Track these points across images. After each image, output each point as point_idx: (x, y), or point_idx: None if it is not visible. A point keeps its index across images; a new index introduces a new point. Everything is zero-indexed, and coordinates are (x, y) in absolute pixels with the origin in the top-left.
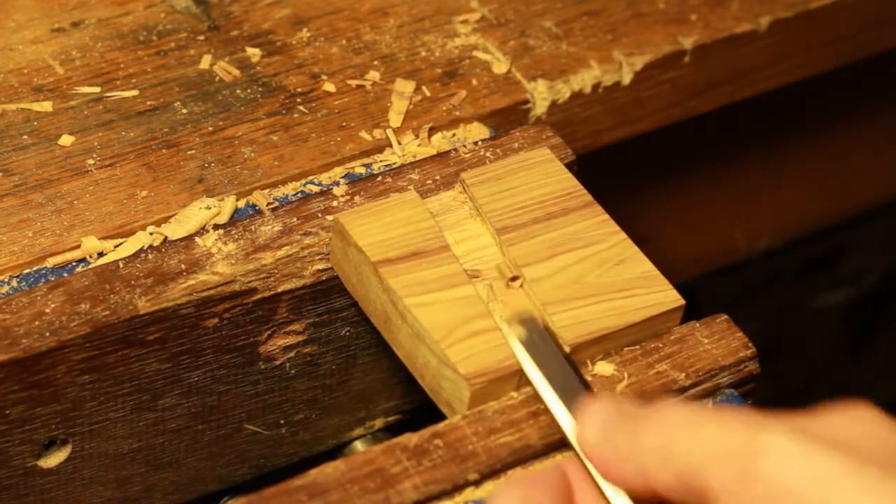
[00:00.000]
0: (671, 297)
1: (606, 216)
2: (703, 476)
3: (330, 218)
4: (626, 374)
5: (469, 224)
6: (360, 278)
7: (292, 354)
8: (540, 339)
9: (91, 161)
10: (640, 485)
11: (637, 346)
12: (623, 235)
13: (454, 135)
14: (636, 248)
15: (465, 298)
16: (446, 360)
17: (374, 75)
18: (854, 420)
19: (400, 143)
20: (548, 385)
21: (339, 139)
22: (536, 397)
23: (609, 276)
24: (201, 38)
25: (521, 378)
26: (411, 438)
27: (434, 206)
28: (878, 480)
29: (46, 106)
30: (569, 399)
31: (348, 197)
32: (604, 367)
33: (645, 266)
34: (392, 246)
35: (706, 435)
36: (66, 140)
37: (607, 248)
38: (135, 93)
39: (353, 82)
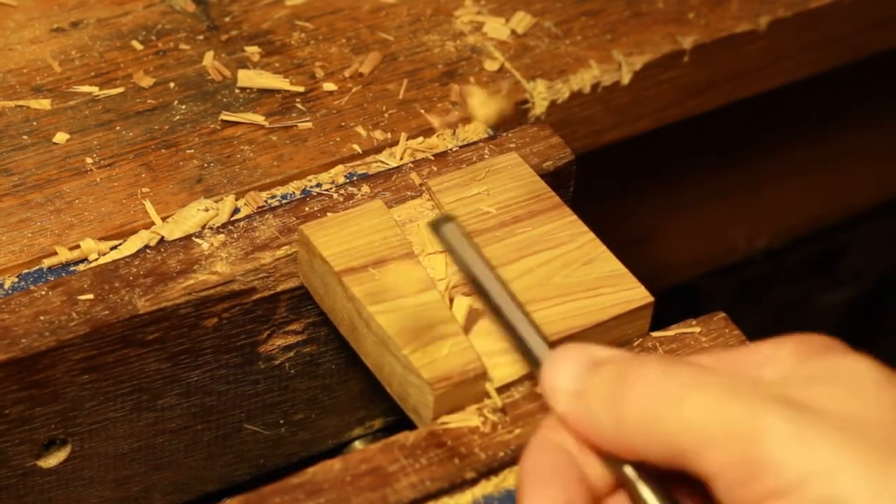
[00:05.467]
0: (640, 295)
1: (574, 217)
2: (698, 456)
3: None
4: None
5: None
6: (326, 289)
7: (292, 354)
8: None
9: (90, 161)
10: (623, 455)
11: (635, 345)
12: (591, 235)
13: (454, 134)
14: (604, 248)
15: (428, 304)
16: (410, 365)
17: (373, 75)
18: (853, 385)
19: (399, 143)
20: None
21: (338, 139)
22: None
23: (577, 276)
24: (200, 37)
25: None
26: (409, 437)
27: (401, 214)
28: (886, 475)
29: (45, 105)
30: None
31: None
32: None
33: (613, 265)
34: (356, 255)
35: (697, 411)
36: (64, 140)
37: (575, 248)
38: (134, 93)
39: (352, 82)
